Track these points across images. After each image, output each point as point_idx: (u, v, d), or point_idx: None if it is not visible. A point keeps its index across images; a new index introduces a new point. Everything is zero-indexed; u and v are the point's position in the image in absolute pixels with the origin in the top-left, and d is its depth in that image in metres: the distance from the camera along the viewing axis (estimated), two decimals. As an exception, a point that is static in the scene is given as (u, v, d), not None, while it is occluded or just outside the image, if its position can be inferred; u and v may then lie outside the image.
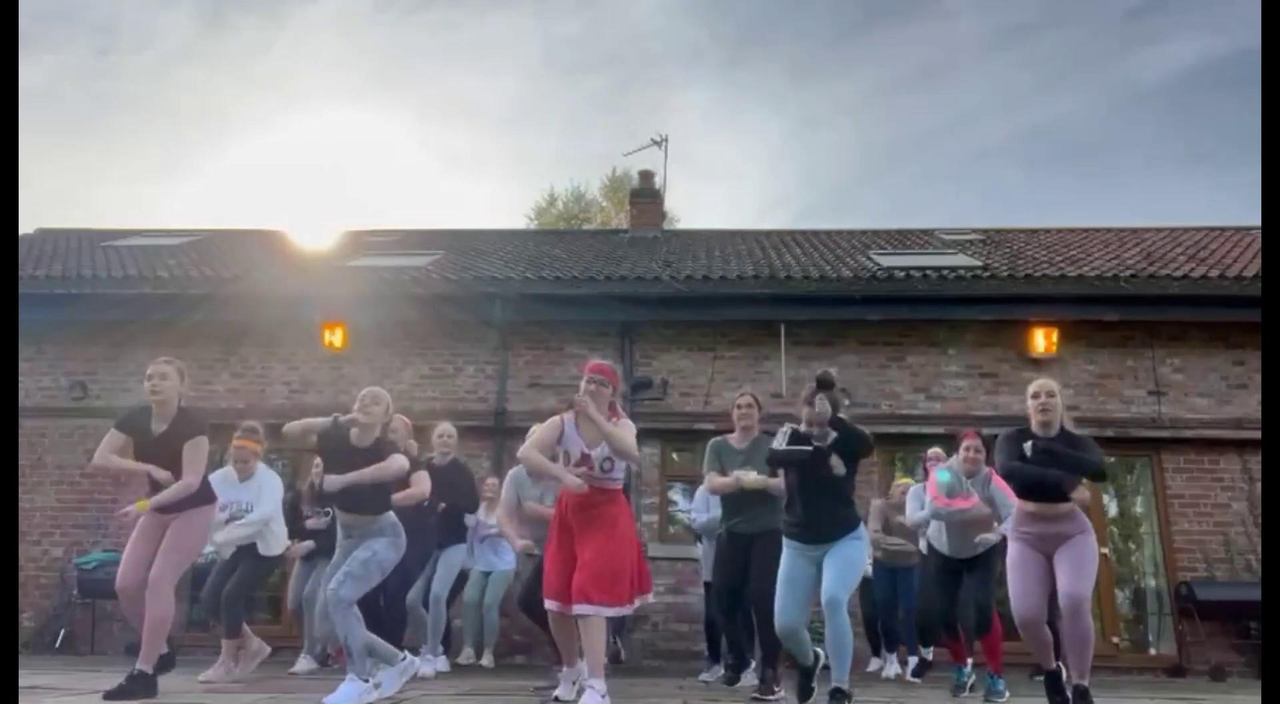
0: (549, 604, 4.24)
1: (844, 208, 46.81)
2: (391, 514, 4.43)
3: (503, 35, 46.98)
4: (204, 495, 4.53)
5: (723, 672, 6.01)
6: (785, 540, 4.33)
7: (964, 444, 5.33)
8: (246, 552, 5.80)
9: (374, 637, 4.36)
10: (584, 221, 23.41)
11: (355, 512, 4.35)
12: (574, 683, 4.32)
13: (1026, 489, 4.26)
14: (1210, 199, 44.61)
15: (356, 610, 4.24)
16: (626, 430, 4.22)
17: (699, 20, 49.51)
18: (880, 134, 47.09)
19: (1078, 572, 4.11)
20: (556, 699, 4.26)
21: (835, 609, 4.07)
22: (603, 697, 3.97)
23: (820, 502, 4.20)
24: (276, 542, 5.84)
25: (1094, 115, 45.74)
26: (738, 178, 44.33)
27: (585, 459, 4.18)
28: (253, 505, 5.74)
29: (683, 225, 18.86)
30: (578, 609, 4.02)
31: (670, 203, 17.16)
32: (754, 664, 5.64)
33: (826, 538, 4.19)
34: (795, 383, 8.27)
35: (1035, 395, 4.29)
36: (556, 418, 4.37)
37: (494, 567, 7.03)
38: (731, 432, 5.33)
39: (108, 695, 4.08)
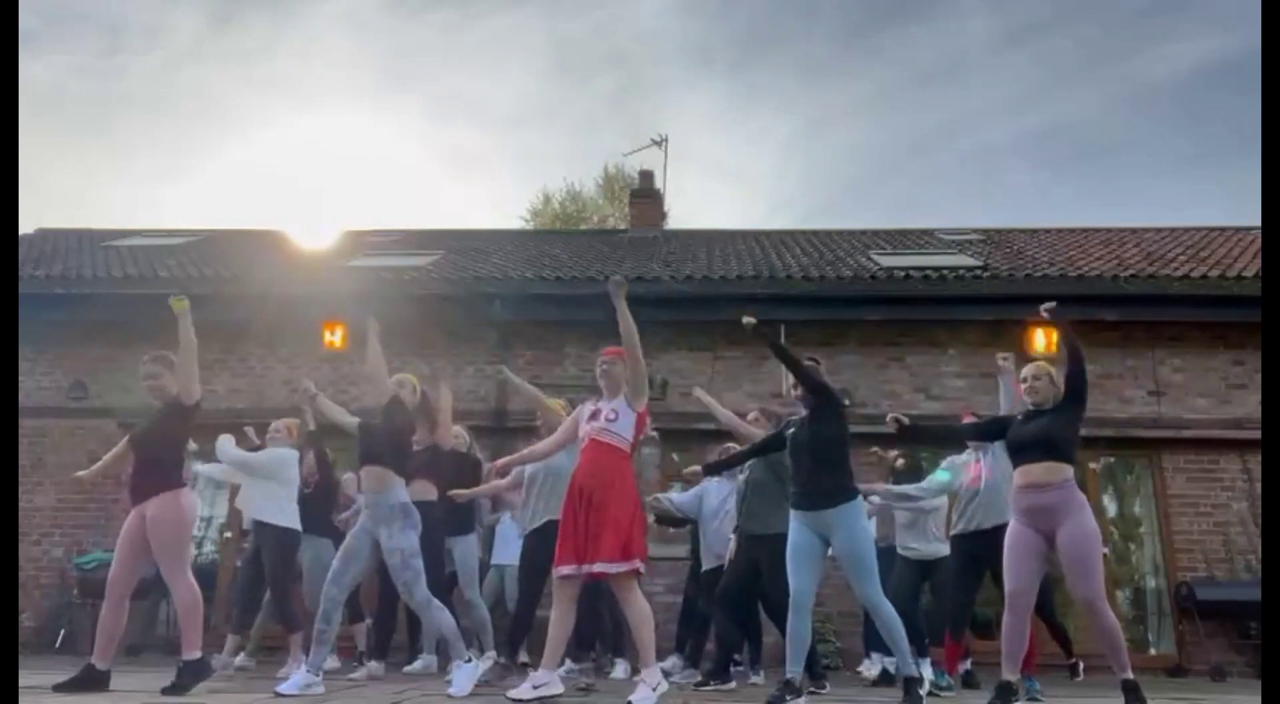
0: (565, 570, 4.14)
1: (851, 208, 46.95)
2: (403, 493, 4.68)
3: (510, 35, 47.00)
4: (172, 482, 4.49)
5: (691, 670, 6.03)
6: (791, 512, 4.57)
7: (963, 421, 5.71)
8: (264, 535, 6.04)
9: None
10: (580, 221, 23.39)
11: (381, 462, 4.65)
12: (536, 687, 4.11)
13: (1018, 450, 4.42)
14: (1211, 199, 44.65)
15: (437, 602, 4.62)
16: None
17: (707, 21, 49.53)
18: (888, 134, 47.10)
19: (1082, 570, 4.14)
20: (508, 697, 4.07)
21: (874, 608, 4.39)
22: (654, 689, 4.02)
23: (811, 467, 4.47)
24: (286, 513, 6.08)
25: (1100, 115, 45.76)
26: (746, 178, 44.39)
27: (594, 414, 4.42)
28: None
29: (686, 225, 18.84)
30: (592, 567, 4.07)
31: (677, 203, 17.21)
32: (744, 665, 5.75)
33: (821, 504, 4.41)
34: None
35: (1023, 379, 4.59)
36: (575, 411, 4.69)
37: (511, 559, 6.91)
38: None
39: (165, 691, 4.18)
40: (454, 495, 5.69)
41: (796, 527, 4.49)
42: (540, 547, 5.24)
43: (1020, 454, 4.41)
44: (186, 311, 4.48)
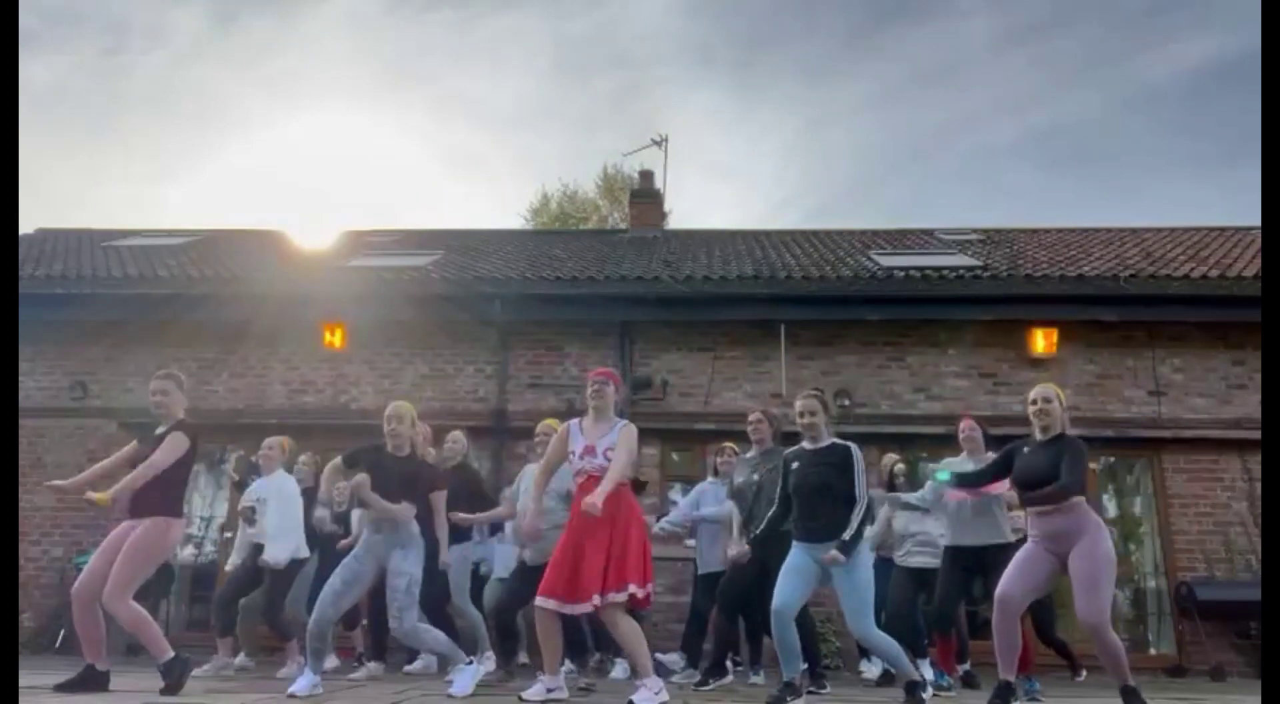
0: (545, 602, 4.21)
1: (852, 208, 46.87)
2: (415, 525, 4.67)
3: (510, 36, 46.99)
4: (172, 508, 4.55)
5: (691, 670, 6.03)
6: (794, 542, 4.55)
7: (960, 427, 5.74)
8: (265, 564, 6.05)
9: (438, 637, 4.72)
10: (580, 221, 23.37)
11: (403, 498, 4.60)
12: (549, 690, 4.23)
13: (1024, 486, 4.38)
14: (1211, 199, 44.62)
15: (423, 625, 4.67)
16: (624, 446, 4.37)
17: (708, 20, 49.53)
18: (888, 134, 47.10)
19: (1090, 590, 4.08)
20: (521, 699, 4.16)
21: (868, 641, 4.44)
22: (656, 694, 4.06)
23: (817, 503, 4.44)
24: (283, 551, 6.04)
25: (1102, 115, 45.75)
26: (746, 178, 44.40)
27: (589, 450, 4.37)
28: (265, 502, 6.08)
29: (686, 225, 18.85)
30: (610, 598, 4.12)
31: (677, 203, 17.17)
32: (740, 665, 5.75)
33: (827, 537, 4.37)
34: (795, 384, 8.26)
35: (1032, 401, 4.47)
36: (562, 428, 4.63)
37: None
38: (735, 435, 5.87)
39: (163, 692, 4.20)
40: (457, 521, 5.68)
41: (798, 552, 4.49)
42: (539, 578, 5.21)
43: (1026, 489, 4.35)
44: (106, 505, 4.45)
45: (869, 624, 4.36)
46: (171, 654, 4.36)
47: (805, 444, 4.61)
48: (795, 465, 4.59)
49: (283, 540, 6.02)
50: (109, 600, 4.31)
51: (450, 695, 4.34)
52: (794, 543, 4.55)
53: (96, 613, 4.45)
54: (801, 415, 4.59)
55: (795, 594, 4.41)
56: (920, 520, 6.09)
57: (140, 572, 4.44)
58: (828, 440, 4.56)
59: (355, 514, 6.19)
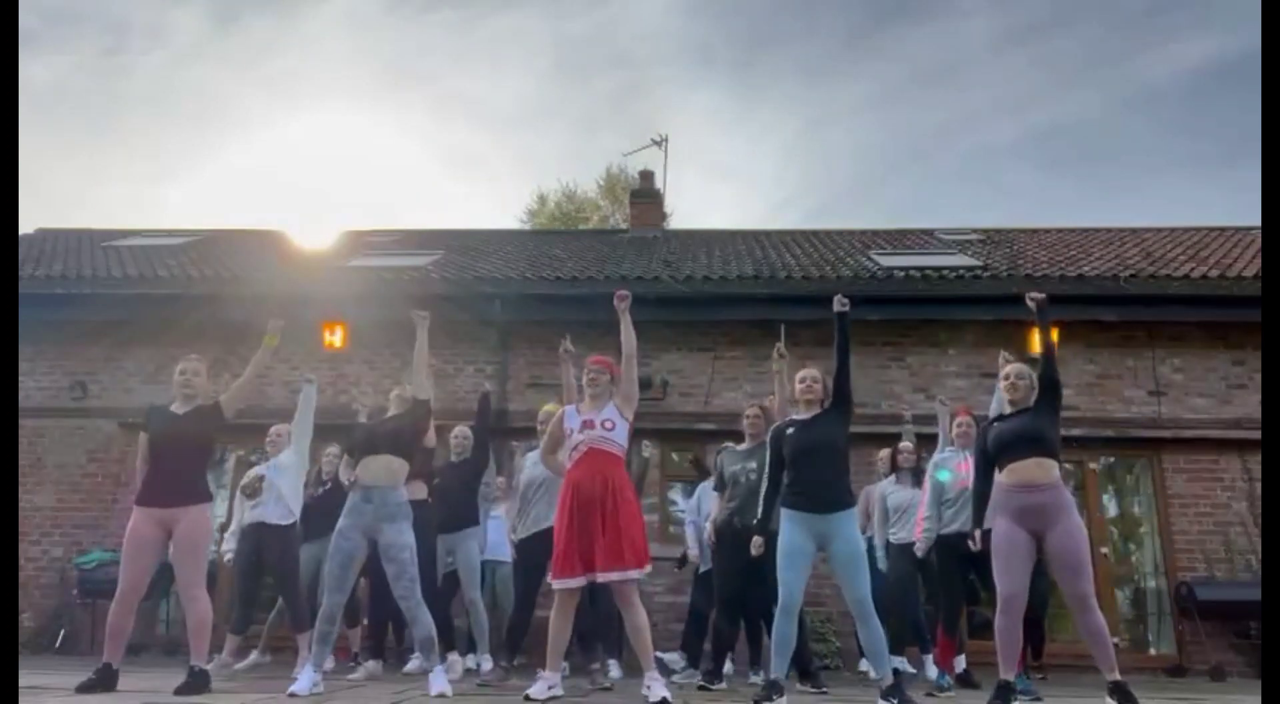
0: (564, 582, 4.26)
1: (852, 208, 46.90)
2: (404, 491, 4.80)
3: (511, 36, 47.00)
4: (204, 493, 4.65)
5: (691, 670, 6.02)
6: (784, 511, 4.47)
7: (955, 420, 5.94)
8: (270, 536, 6.12)
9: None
10: (578, 221, 23.36)
11: (391, 452, 4.73)
12: (550, 687, 4.25)
13: (1005, 447, 4.39)
14: (1211, 199, 44.60)
15: (423, 607, 4.69)
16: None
17: (708, 20, 49.53)
18: (888, 134, 47.10)
19: (1078, 569, 4.18)
20: (528, 698, 4.15)
21: (866, 615, 4.29)
22: (665, 686, 4.17)
23: (816, 470, 4.41)
24: (288, 507, 6.20)
25: (1102, 115, 45.74)
26: (746, 178, 44.42)
27: (588, 423, 4.45)
28: (272, 478, 6.26)
29: (686, 225, 18.84)
30: (609, 576, 4.19)
31: (679, 203, 17.18)
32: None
33: (824, 507, 4.35)
34: (795, 383, 8.28)
35: (1005, 376, 4.62)
36: (558, 412, 4.77)
37: (502, 556, 6.83)
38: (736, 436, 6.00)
39: (178, 691, 4.23)
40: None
41: (791, 528, 4.39)
42: (539, 550, 5.28)
43: (1008, 450, 4.38)
44: (274, 347, 4.90)
45: (869, 594, 4.30)
46: (209, 665, 4.50)
47: (796, 416, 4.62)
48: (790, 432, 4.55)
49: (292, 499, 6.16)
50: (194, 597, 4.44)
51: (442, 696, 4.36)
52: (787, 514, 4.44)
53: (134, 612, 4.55)
54: (803, 380, 4.59)
55: (801, 586, 4.38)
56: (913, 508, 6.19)
57: (204, 561, 4.63)
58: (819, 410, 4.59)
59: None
